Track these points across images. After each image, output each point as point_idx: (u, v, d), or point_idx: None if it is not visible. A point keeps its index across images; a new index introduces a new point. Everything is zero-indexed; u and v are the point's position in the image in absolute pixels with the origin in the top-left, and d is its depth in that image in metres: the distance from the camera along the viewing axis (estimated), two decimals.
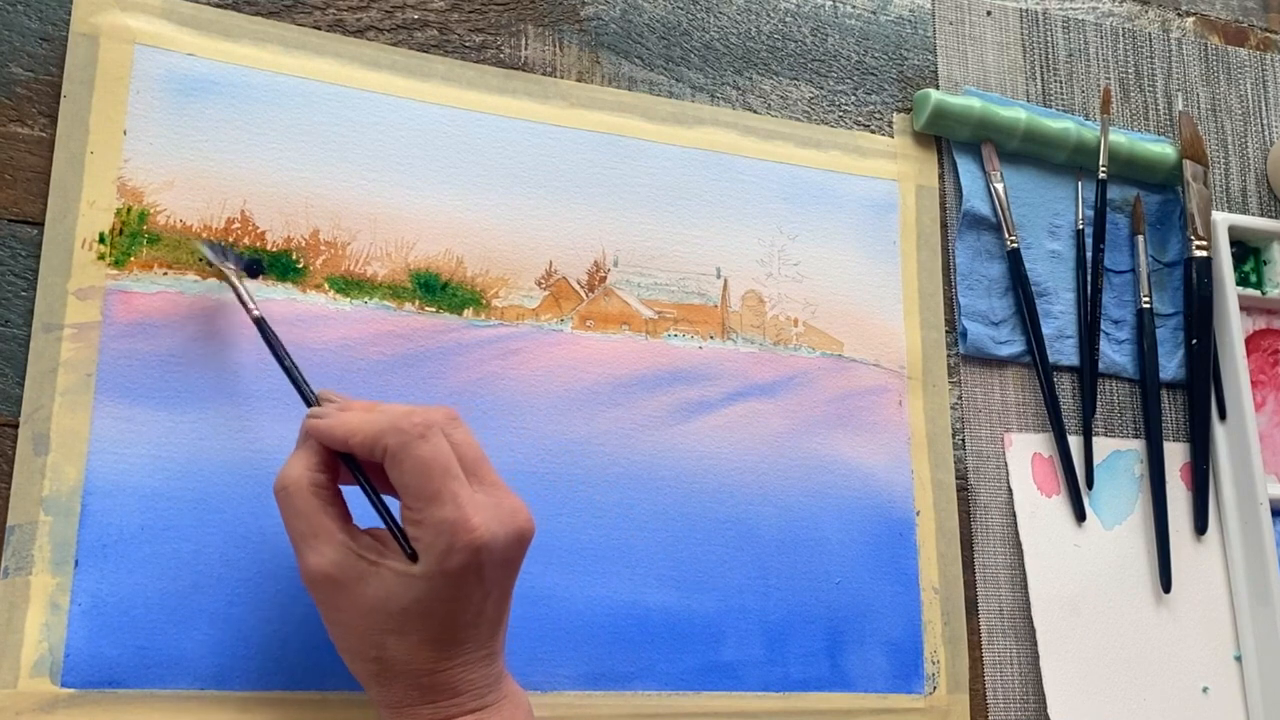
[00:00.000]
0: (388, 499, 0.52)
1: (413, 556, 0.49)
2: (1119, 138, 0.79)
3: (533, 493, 0.62)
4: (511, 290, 0.64)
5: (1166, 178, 0.81)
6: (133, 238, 0.57)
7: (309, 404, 0.54)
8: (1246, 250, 0.82)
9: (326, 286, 0.61)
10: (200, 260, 0.58)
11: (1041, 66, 0.81)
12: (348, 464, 0.52)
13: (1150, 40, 0.85)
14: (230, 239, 0.59)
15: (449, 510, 0.48)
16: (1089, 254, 0.78)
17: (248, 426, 0.57)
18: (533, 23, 0.69)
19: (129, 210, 0.58)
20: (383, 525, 0.51)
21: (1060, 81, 0.81)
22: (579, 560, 0.62)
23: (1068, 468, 0.74)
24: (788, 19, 0.75)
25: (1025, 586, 0.71)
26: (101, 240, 0.57)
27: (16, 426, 0.54)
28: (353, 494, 0.52)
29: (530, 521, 0.51)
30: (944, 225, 0.75)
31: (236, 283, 0.56)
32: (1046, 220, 0.78)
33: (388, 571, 0.49)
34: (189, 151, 0.59)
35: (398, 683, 0.50)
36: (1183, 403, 0.78)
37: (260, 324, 0.55)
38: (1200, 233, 0.78)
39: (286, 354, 0.55)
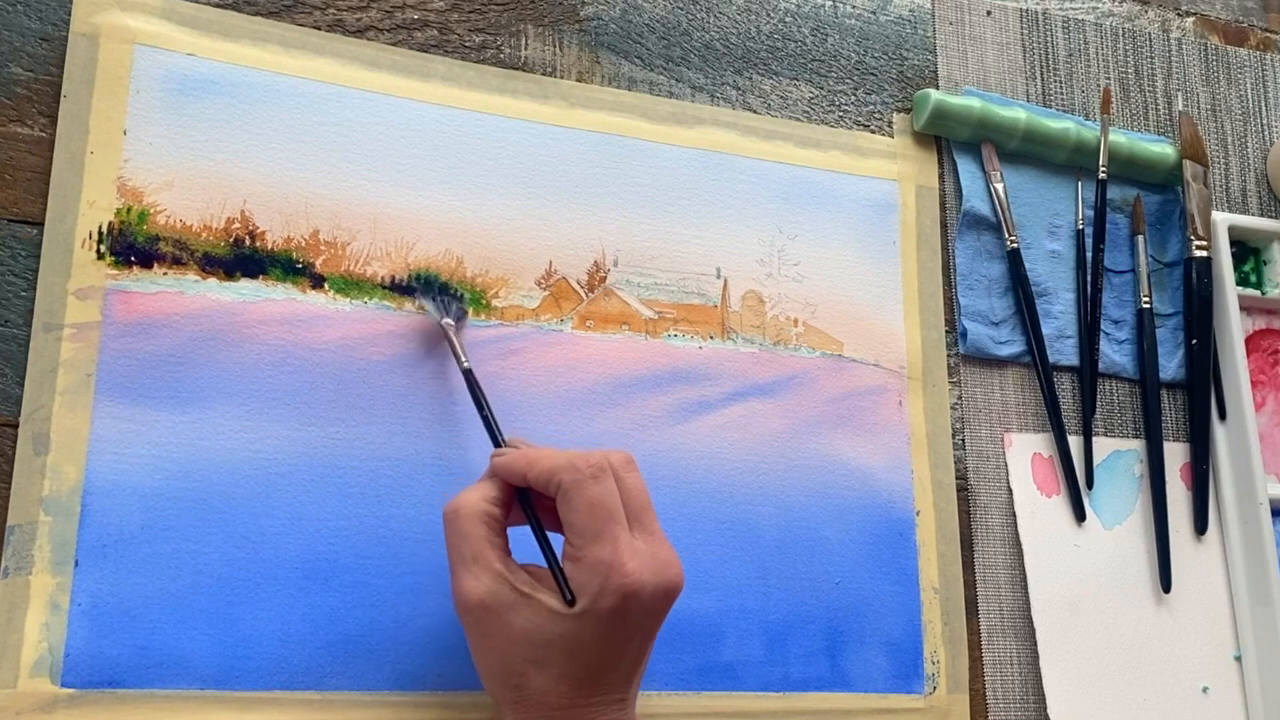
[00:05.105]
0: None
1: (571, 602, 0.51)
2: (1119, 138, 0.79)
3: None
4: (511, 290, 0.64)
5: (1166, 178, 0.81)
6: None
7: (497, 446, 0.57)
8: (1246, 250, 0.82)
9: (326, 286, 0.61)
10: (419, 308, 0.61)
11: (1041, 66, 0.81)
12: (522, 501, 0.55)
13: (1150, 40, 0.85)
14: (231, 238, 0.59)
15: (607, 551, 0.50)
16: (1089, 254, 0.77)
17: (248, 426, 0.57)
18: (533, 23, 0.69)
19: (129, 210, 0.58)
20: (539, 565, 0.54)
21: (1060, 81, 0.81)
22: None
23: (1068, 468, 0.74)
24: (788, 19, 0.75)
25: (1025, 586, 0.71)
26: (101, 240, 0.57)
27: (16, 426, 0.54)
28: (516, 535, 0.55)
29: (680, 577, 0.53)
30: (944, 225, 0.75)
31: (453, 337, 0.60)
32: (1046, 220, 0.78)
33: (539, 604, 0.51)
34: (189, 151, 0.59)
35: (533, 713, 0.52)
36: (1183, 403, 0.78)
37: (468, 375, 0.59)
38: (1200, 233, 0.78)
39: (487, 403, 0.58)
